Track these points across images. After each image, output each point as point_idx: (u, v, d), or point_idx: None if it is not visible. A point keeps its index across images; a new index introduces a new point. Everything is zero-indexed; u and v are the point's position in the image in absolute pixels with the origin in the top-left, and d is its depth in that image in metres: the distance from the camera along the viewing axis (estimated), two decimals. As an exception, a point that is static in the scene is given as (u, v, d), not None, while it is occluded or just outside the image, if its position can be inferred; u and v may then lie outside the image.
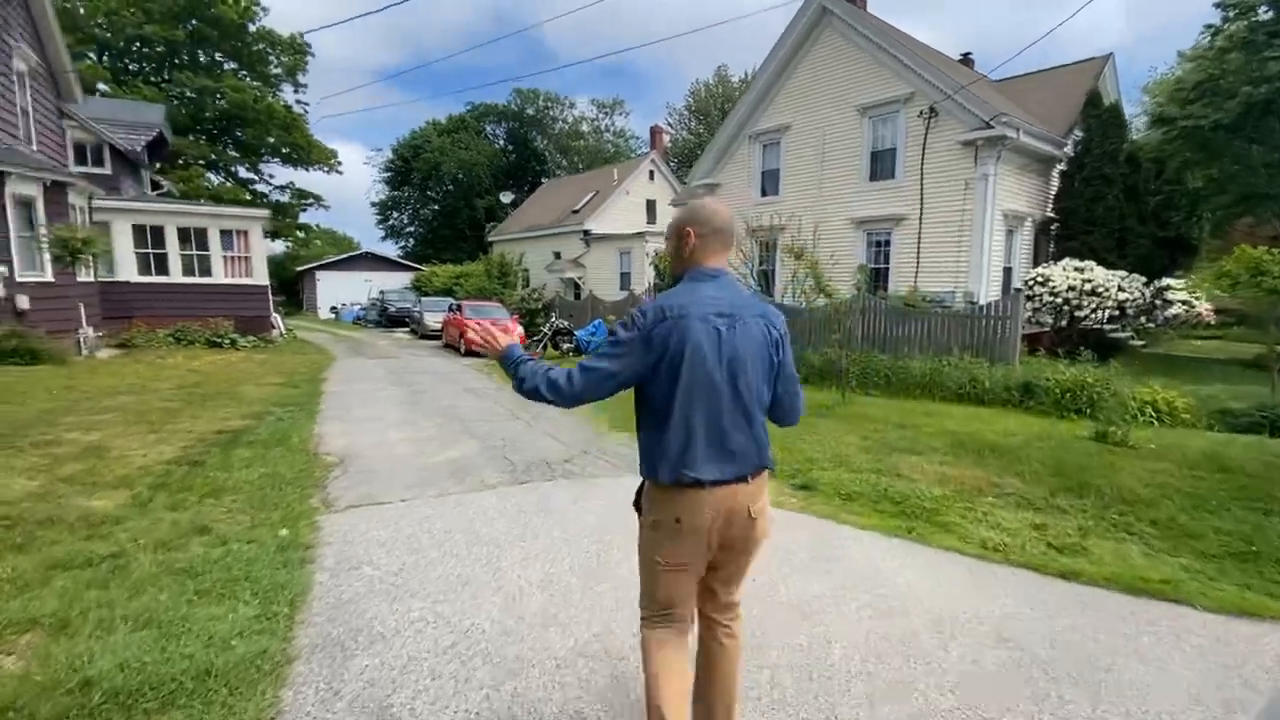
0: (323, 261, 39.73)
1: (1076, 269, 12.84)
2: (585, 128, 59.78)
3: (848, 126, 15.70)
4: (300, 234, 45.85)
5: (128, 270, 15.62)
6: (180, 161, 34.15)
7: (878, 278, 15.33)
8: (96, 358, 12.03)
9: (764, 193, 17.86)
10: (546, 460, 6.12)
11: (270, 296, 22.02)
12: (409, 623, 2.97)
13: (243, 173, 39.58)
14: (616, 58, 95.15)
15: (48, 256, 10.30)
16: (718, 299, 1.82)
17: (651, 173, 27.94)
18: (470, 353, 16.96)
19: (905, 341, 10.79)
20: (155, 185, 20.24)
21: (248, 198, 39.30)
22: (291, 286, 43.00)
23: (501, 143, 58.71)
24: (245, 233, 16.92)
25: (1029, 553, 3.91)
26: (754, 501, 1.85)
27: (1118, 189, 14.49)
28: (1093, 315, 12.80)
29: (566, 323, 17.07)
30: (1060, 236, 15.32)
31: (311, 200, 44.25)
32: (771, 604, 3.23)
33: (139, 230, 15.76)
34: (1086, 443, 6.29)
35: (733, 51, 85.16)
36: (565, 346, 16.59)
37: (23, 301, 10.73)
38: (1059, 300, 12.63)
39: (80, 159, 15.07)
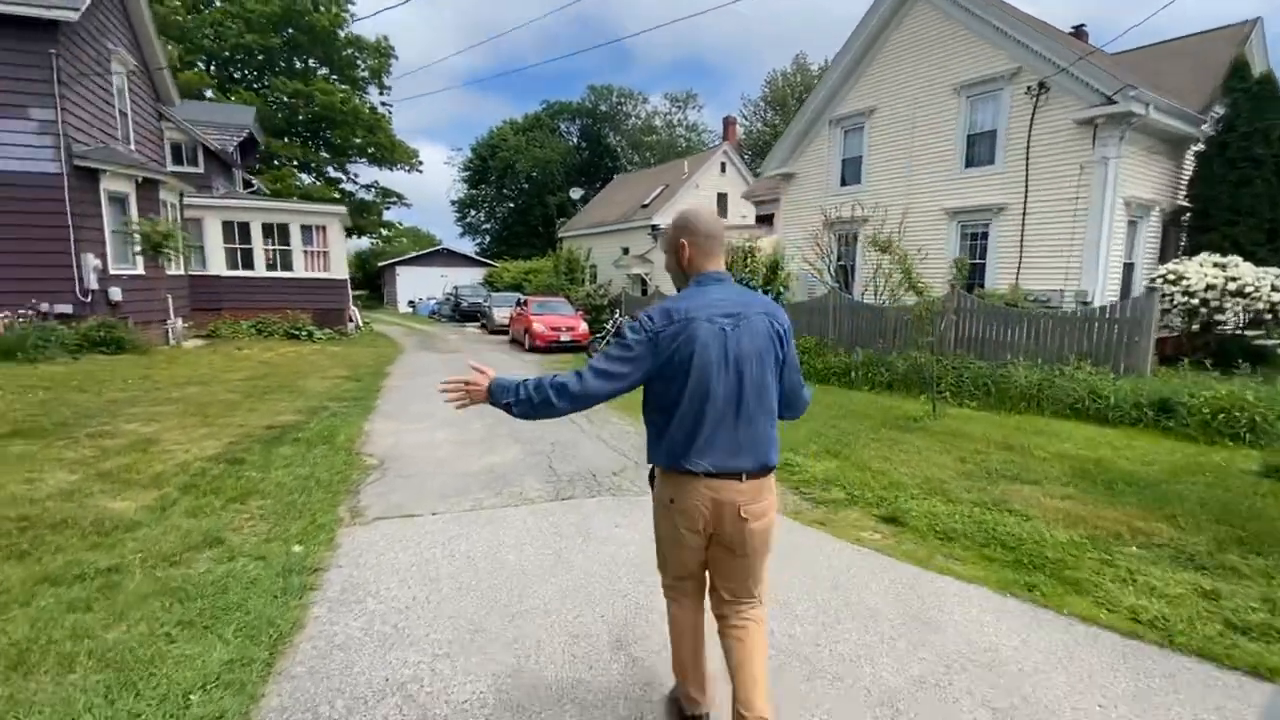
0: (403, 257, 41.19)
1: (1217, 265, 11.03)
2: (658, 123, 59.25)
3: (941, 108, 14.30)
4: (384, 231, 47.80)
5: (217, 264, 16.40)
6: (275, 163, 36.21)
7: (972, 274, 13.89)
8: (181, 348, 12.57)
9: (844, 182, 16.65)
10: (594, 471, 5.57)
11: (349, 290, 22.83)
12: (398, 684, 2.46)
13: (331, 172, 41.60)
14: (691, 52, 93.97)
15: (138, 250, 10.76)
16: (723, 300, 1.91)
17: (723, 165, 27.02)
18: (535, 348, 16.78)
19: (1006, 346, 9.54)
20: (247, 184, 21.30)
21: (335, 196, 41.31)
22: (374, 281, 44.97)
23: (575, 140, 59.11)
24: (324, 228, 17.43)
25: (1201, 633, 2.97)
26: (749, 502, 1.88)
27: (1269, 172, 12.41)
28: (1234, 319, 10.97)
29: (627, 327, 16.59)
30: (1195, 228, 13.33)
31: (395, 198, 46.07)
32: (854, 690, 2.50)
33: (227, 226, 16.52)
34: (1255, 479, 5.09)
35: (812, 38, 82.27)
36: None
37: (115, 293, 11.28)
38: (1194, 301, 10.89)
39: (176, 159, 15.97)
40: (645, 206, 26.59)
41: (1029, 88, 12.77)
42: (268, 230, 16.77)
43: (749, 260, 10.24)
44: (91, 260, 10.70)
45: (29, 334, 9.11)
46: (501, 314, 22.71)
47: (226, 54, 35.21)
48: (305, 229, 17.12)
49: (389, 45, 39.79)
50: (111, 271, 11.27)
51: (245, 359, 11.60)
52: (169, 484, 4.65)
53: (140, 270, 11.89)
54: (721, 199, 27.17)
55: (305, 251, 17.22)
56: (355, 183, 43.90)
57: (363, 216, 42.66)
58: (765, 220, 23.52)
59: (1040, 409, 7.96)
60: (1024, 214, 12.92)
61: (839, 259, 16.04)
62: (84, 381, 8.26)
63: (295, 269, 17.14)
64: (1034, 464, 5.67)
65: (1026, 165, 12.84)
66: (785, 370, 2.00)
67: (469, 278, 36.67)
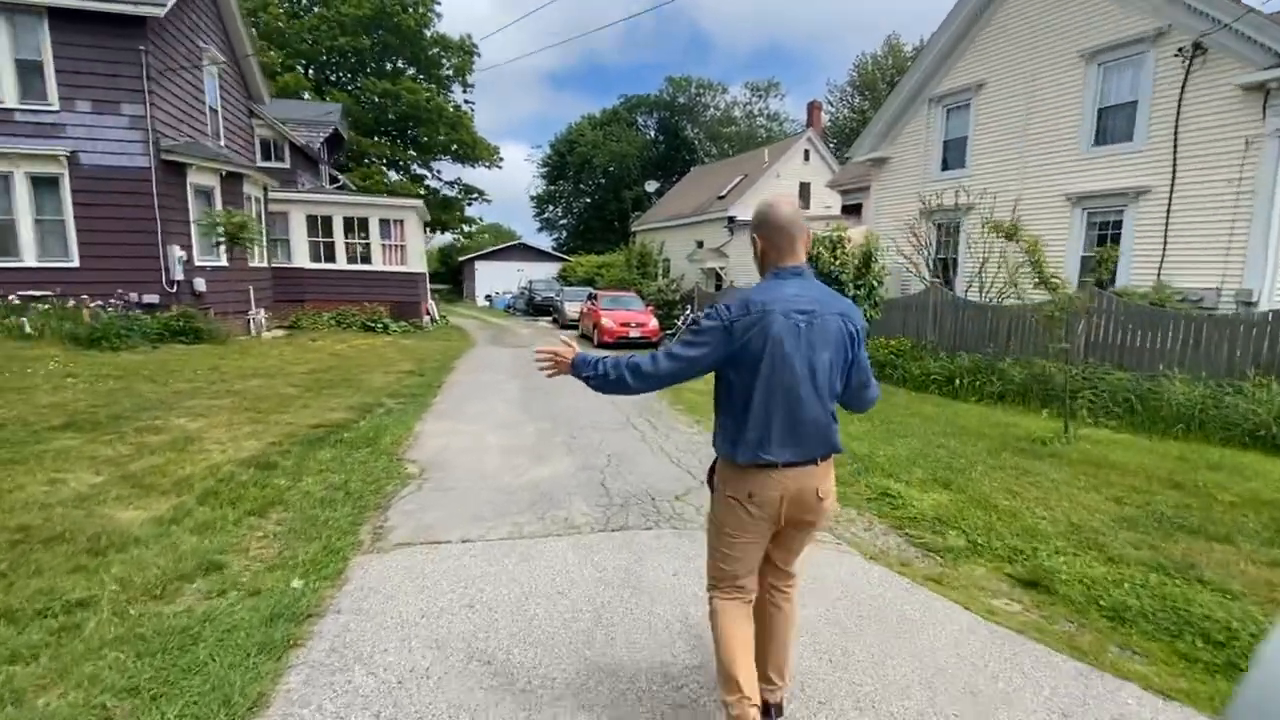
0: (481, 252, 42.01)
1: None
2: (737, 113, 57.64)
3: (1065, 79, 12.49)
4: (465, 227, 49.05)
5: (301, 257, 16.86)
6: (365, 161, 37.70)
7: (1098, 267, 12.05)
8: (260, 338, 12.85)
9: (946, 166, 15.02)
10: (653, 493, 4.80)
11: (427, 284, 23.23)
12: (357, 825, 1.79)
13: (416, 170, 42.97)
14: (773, 41, 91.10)
15: (218, 241, 11.00)
16: (799, 296, 1.94)
17: (806, 153, 25.50)
18: (603, 344, 16.23)
19: (1154, 355, 7.98)
20: (333, 179, 21.98)
21: (420, 192, 42.63)
22: (456, 276, 46.21)
23: (652, 133, 58.49)
24: (401, 222, 17.59)
25: None
26: (822, 483, 2.00)
27: None
28: None
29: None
30: (1396, 213, 10.94)
31: (476, 194, 47.11)
32: None
33: (311, 219, 16.94)
34: None
35: (905, 19, 77.71)
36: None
37: (199, 284, 11.59)
38: (1403, 302, 8.82)
39: (265, 154, 16.56)
40: (721, 198, 25.50)
41: (1180, 49, 10.85)
42: (348, 224, 17.10)
43: (837, 252, 9.14)
44: (177, 252, 11.01)
45: (114, 323, 9.41)
46: (572, 308, 22.42)
47: (323, 57, 36.95)
48: (383, 223, 17.35)
49: (472, 43, 40.60)
50: (196, 263, 11.59)
51: (317, 351, 11.65)
52: (191, 490, 4.28)
53: (223, 262, 12.20)
54: (804, 189, 25.67)
55: (384, 245, 17.46)
56: (439, 179, 45.22)
57: (445, 212, 43.85)
58: (852, 211, 21.93)
59: (1205, 435, 6.49)
60: (1170, 198, 11.01)
61: (937, 251, 14.49)
62: (156, 371, 8.34)
63: (374, 262, 17.41)
64: (1218, 511, 4.40)
65: (1175, 141, 10.93)
66: (854, 370, 2.05)
67: (544, 272, 36.87)
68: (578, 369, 2.15)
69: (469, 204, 47.56)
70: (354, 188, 25.77)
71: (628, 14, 65.39)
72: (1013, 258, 8.02)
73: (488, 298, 38.46)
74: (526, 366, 11.87)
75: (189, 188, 11.44)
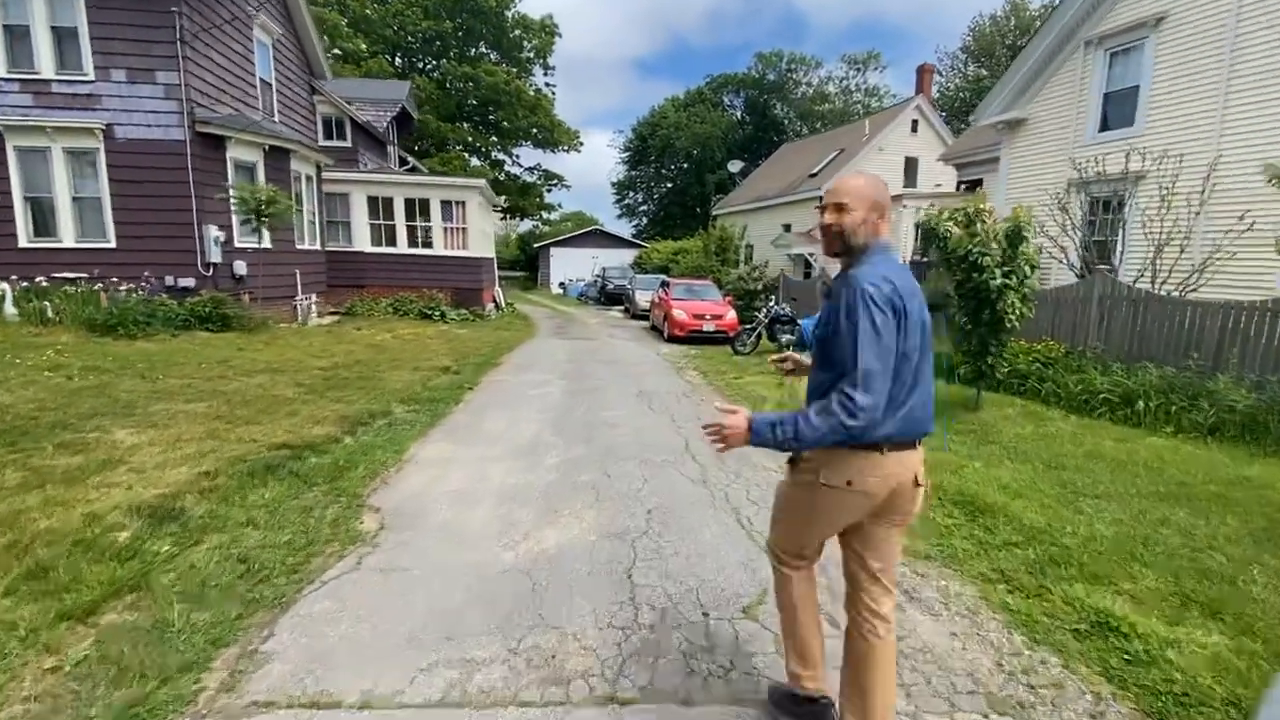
0: (556, 239, 41.15)
1: None
2: (832, 89, 53.69)
3: (1291, 1, 9.36)
4: (544, 214, 48.52)
5: (362, 240, 16.14)
6: (447, 147, 37.61)
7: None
8: (304, 326, 12.04)
9: (1105, 125, 12.02)
10: (707, 598, 3.01)
11: (495, 270, 22.29)
12: None
13: (496, 155, 42.66)
14: (870, 12, 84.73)
15: (281, 224, 10.12)
16: (904, 271, 1.82)
17: (914, 123, 22.38)
18: (674, 338, 14.47)
19: None
20: (403, 161, 21.35)
21: (500, 178, 42.30)
22: (533, 263, 45.75)
23: (739, 114, 55.64)
24: (462, 203, 16.51)
25: None
26: (919, 467, 1.85)
27: None
28: None
29: (788, 308, 13.53)
30: None
31: (556, 180, 46.37)
32: None
33: (372, 201, 16.16)
34: None
35: (1027, -18, 69.68)
36: (785, 339, 13.10)
37: (240, 267, 10.82)
38: None
39: (327, 133, 15.93)
40: (814, 176, 22.92)
41: None
42: (409, 206, 16.21)
43: (975, 228, 6.89)
44: (213, 232, 10.24)
45: (132, 309, 8.65)
46: (644, 297, 20.75)
47: (407, 41, 37.07)
48: (445, 204, 16.34)
49: (554, 24, 39.52)
50: (236, 244, 10.83)
51: (354, 342, 10.61)
52: (19, 561, 2.92)
53: (267, 244, 11.40)
54: (910, 165, 22.62)
55: (445, 228, 16.46)
56: (518, 164, 44.78)
57: (524, 198, 43.35)
58: (970, 187, 18.87)
59: None
60: None
61: (1093, 232, 11.61)
62: (157, 364, 7.40)
63: (435, 246, 16.46)
64: None
65: None
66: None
67: (620, 259, 35.44)
68: (760, 437, 1.75)
69: (548, 190, 46.94)
70: (425, 170, 25.25)
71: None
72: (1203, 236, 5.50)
73: (561, 285, 37.54)
74: (581, 365, 10.33)
75: (229, 163, 10.65)
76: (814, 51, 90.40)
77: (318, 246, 13.71)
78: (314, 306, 13.20)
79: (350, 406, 6.29)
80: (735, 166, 29.67)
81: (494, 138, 41.07)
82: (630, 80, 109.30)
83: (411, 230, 16.46)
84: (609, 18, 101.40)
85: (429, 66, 39.41)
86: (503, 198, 46.79)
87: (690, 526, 3.86)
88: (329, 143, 15.73)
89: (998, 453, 5.81)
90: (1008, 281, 6.69)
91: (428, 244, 16.53)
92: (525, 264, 47.84)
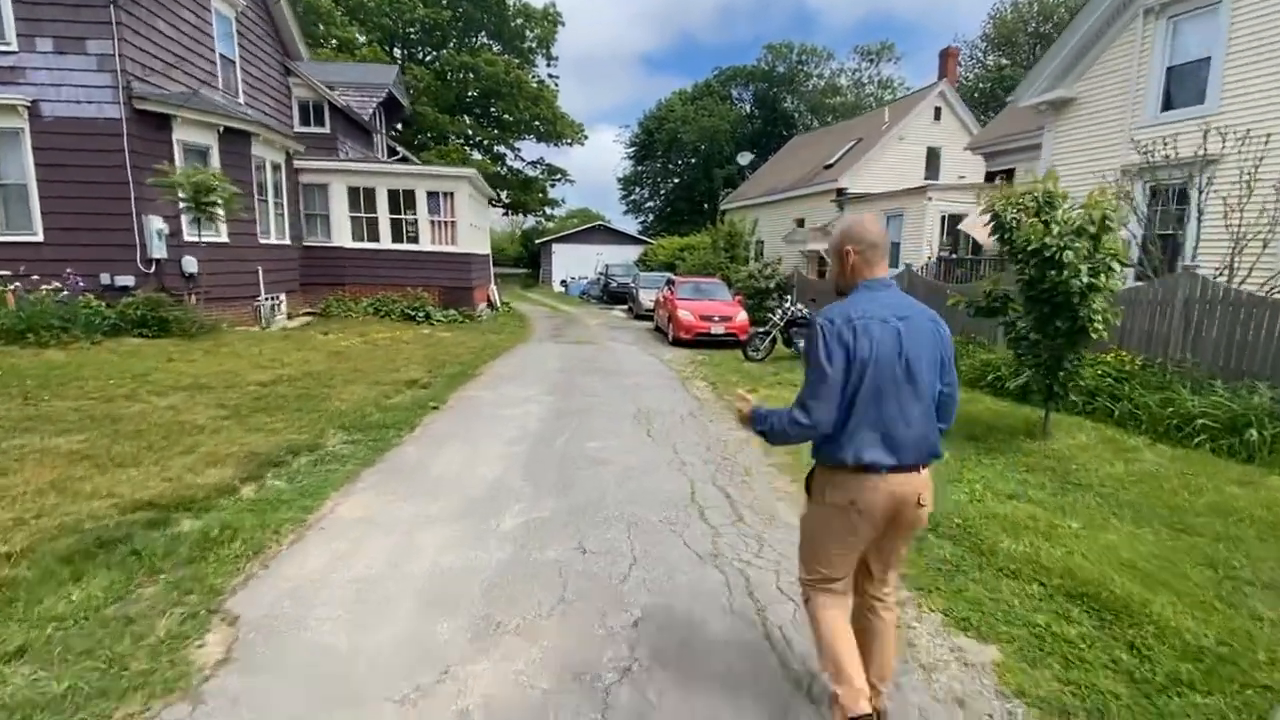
0: (558, 235, 39.86)
1: None
2: (843, 81, 52.09)
3: None
4: (548, 209, 47.21)
5: (341, 234, 14.92)
6: (446, 140, 36.39)
7: None
8: (268, 330, 10.82)
9: (1169, 104, 10.61)
10: None
11: (490, 268, 21.06)
12: None
13: (498, 149, 41.37)
14: (883, 7, 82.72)
15: (221, 214, 8.86)
16: (894, 303, 1.97)
17: (937, 110, 20.92)
18: (679, 342, 13.18)
19: None
20: (393, 152, 20.12)
21: (500, 172, 41.06)
22: (535, 260, 44.50)
23: (748, 107, 54.13)
24: (451, 195, 15.26)
25: None
26: (924, 490, 1.97)
27: None
28: None
29: (805, 310, 12.19)
30: None
31: (559, 175, 45.03)
32: None
33: (353, 193, 14.94)
34: None
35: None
36: (801, 343, 11.77)
37: (189, 264, 9.61)
38: None
39: (305, 119, 14.73)
40: (829, 167, 21.52)
41: None
42: (393, 198, 14.97)
43: (1047, 215, 5.55)
44: (156, 224, 9.03)
45: (44, 312, 7.42)
46: (648, 296, 19.45)
47: (403, 31, 35.84)
48: (431, 196, 15.08)
49: (556, 12, 38.22)
50: (186, 238, 9.61)
51: (318, 346, 9.38)
52: None
53: (223, 238, 10.18)
54: (932, 156, 21.17)
55: (432, 222, 15.21)
56: (520, 158, 43.48)
57: (526, 193, 42.10)
58: (999, 178, 17.45)
59: None
60: None
61: (1156, 225, 10.22)
62: (54, 379, 6.18)
63: (421, 242, 15.21)
64: None
65: None
66: (944, 375, 2.02)
67: (625, 256, 34.12)
68: (754, 422, 2.13)
69: (552, 185, 45.64)
70: (417, 162, 24.01)
71: (725, -18, 60.83)
72: None
73: (562, 283, 36.25)
74: (574, 374, 9.06)
75: (175, 146, 9.44)
76: (824, 47, 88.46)
77: (286, 241, 12.48)
78: (282, 307, 11.99)
79: (272, 437, 5.04)
80: (745, 159, 28.30)
81: (495, 130, 39.77)
82: (639, 77, 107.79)
83: (396, 224, 15.23)
84: (617, 14, 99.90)
85: (428, 57, 38.18)
86: (504, 193, 45.96)
87: (695, 638, 2.58)
88: (305, 129, 14.52)
89: (1093, 504, 4.50)
90: (1095, 281, 5.35)
91: (413, 239, 15.29)
92: (528, 261, 46.61)
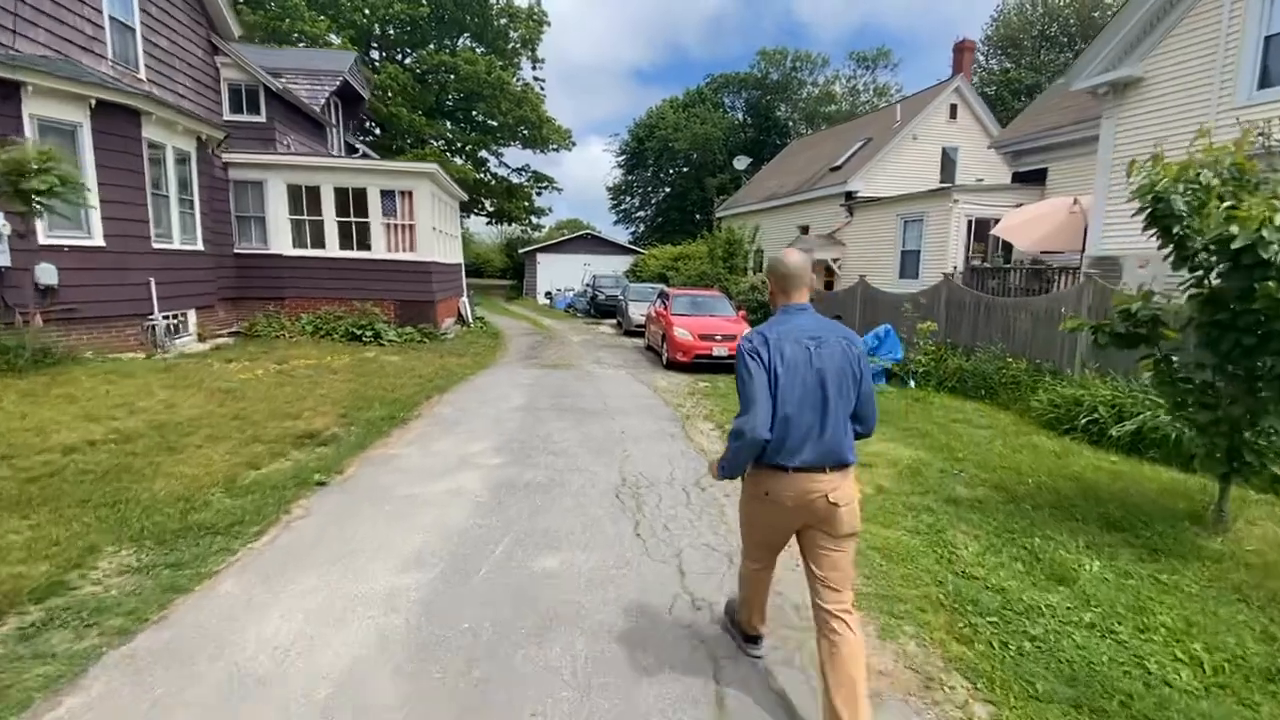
0: (542, 244, 37.80)
1: None
2: (838, 88, 50.70)
3: None
4: (534, 218, 45.07)
5: (280, 240, 12.78)
6: (424, 144, 34.35)
7: None
8: (166, 354, 8.62)
9: (1266, 80, 8.75)
10: None
11: (461, 280, 18.92)
12: None
13: (481, 154, 39.33)
14: (876, 19, 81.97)
15: (62, 206, 6.70)
16: (807, 326, 2.26)
17: (953, 107, 19.14)
18: (675, 365, 11.13)
19: None
20: (352, 150, 18.00)
21: (482, 178, 39.03)
22: (520, 270, 42.37)
23: (740, 115, 52.61)
24: (409, 194, 13.16)
25: None
26: (833, 490, 2.20)
27: None
28: None
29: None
30: None
31: (546, 183, 42.99)
32: None
33: (293, 191, 12.82)
34: None
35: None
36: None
37: (47, 274, 7.44)
38: None
39: (236, 106, 12.61)
40: (836, 169, 19.65)
41: None
42: (341, 197, 12.87)
43: (1245, 196, 3.47)
44: (-8, 221, 6.84)
45: None
46: (638, 310, 17.43)
47: (383, 31, 33.87)
48: (386, 195, 12.98)
49: (542, 12, 36.38)
50: (43, 240, 7.46)
51: (206, 380, 7.20)
52: None
53: (98, 241, 8.02)
54: (947, 156, 19.34)
55: (387, 225, 13.09)
56: (505, 165, 41.47)
57: (510, 201, 40.06)
58: (1029, 180, 15.65)
59: None
60: None
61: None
62: None
63: (374, 248, 13.09)
64: None
65: None
66: (862, 386, 2.27)
67: (617, 266, 32.09)
68: (720, 471, 2.35)
69: (538, 193, 43.54)
70: (376, 157, 21.91)
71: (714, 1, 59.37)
72: None
73: (547, 295, 34.13)
74: (541, 417, 6.95)
75: (28, 121, 7.31)
76: (819, 53, 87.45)
77: (198, 246, 10.27)
78: (188, 327, 9.80)
79: (14, 568, 2.88)
80: (741, 163, 26.45)
81: (476, 134, 37.68)
82: (630, 91, 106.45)
83: (344, 228, 13.10)
84: (607, 26, 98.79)
85: (408, 60, 36.18)
86: (488, 201, 43.89)
87: None
88: (237, 117, 12.42)
89: None
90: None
91: (365, 245, 13.16)
92: (515, 272, 44.47)
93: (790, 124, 51.01)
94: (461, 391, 8.38)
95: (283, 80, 14.68)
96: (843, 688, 2.10)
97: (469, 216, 47.44)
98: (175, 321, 9.48)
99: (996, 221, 14.95)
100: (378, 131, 35.01)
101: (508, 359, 12.18)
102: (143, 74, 9.75)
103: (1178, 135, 9.47)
